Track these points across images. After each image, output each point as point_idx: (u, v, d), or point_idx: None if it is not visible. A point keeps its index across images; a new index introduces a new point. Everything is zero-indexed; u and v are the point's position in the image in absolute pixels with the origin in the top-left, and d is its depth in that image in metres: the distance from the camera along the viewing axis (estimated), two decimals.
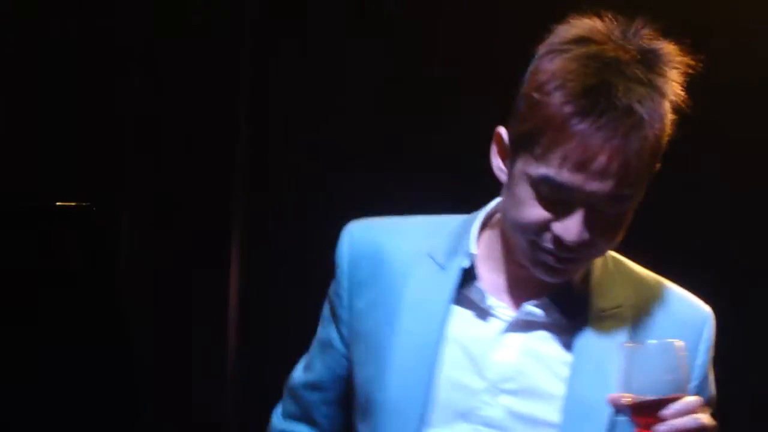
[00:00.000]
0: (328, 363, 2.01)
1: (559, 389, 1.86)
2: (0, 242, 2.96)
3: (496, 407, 1.86)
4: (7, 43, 3.26)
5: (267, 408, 2.13)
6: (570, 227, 1.78)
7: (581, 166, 1.74)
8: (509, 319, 1.89)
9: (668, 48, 1.81)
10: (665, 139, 1.80)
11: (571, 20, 1.83)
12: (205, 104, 3.38)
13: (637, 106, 1.74)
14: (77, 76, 3.30)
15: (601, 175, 1.74)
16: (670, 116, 1.79)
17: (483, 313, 1.90)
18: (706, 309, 1.96)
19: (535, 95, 1.77)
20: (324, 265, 2.04)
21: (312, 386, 2.03)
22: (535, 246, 1.81)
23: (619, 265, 1.96)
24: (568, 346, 1.89)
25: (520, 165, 1.80)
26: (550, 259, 1.82)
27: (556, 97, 1.75)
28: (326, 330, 2.01)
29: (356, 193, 3.15)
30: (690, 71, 1.81)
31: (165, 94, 3.37)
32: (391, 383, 1.87)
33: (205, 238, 3.37)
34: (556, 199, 1.77)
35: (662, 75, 1.78)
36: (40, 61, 3.28)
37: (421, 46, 3.35)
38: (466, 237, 1.93)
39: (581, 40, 1.79)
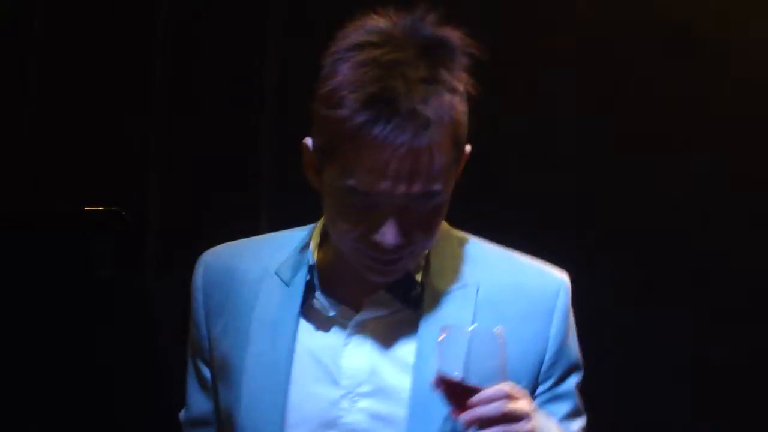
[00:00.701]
0: (204, 395, 2.02)
1: (402, 376, 1.90)
2: (23, 247, 2.93)
3: (356, 413, 1.91)
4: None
5: None
6: (386, 233, 1.83)
7: (382, 174, 1.78)
8: (351, 323, 1.92)
9: (453, 36, 1.81)
10: (462, 128, 1.82)
11: (354, 22, 1.85)
12: (225, 103, 3.44)
13: (421, 107, 1.76)
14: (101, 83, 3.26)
15: (403, 178, 1.78)
16: (461, 106, 1.81)
17: (329, 321, 1.94)
18: (561, 276, 1.96)
19: (324, 108, 1.80)
20: None
21: (195, 422, 2.04)
22: (358, 252, 1.86)
23: (466, 245, 1.99)
24: (413, 335, 1.91)
25: (327, 177, 1.85)
26: (376, 264, 1.87)
27: (344, 110, 1.78)
28: (194, 361, 2.05)
29: None
30: (476, 55, 1.83)
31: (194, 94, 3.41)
32: (246, 405, 1.90)
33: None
34: (368, 207, 1.82)
35: (446, 67, 1.79)
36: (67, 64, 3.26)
37: None
38: (308, 249, 1.96)
39: (360, 46, 1.79)
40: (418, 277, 1.93)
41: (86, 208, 2.96)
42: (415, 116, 1.77)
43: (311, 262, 1.94)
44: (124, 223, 2.88)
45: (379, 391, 1.90)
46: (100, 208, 2.94)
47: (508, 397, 1.76)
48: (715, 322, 3.33)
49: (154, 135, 3.41)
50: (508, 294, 1.94)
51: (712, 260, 3.38)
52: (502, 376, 1.78)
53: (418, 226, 1.85)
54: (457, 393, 1.77)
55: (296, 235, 2.02)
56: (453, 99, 1.81)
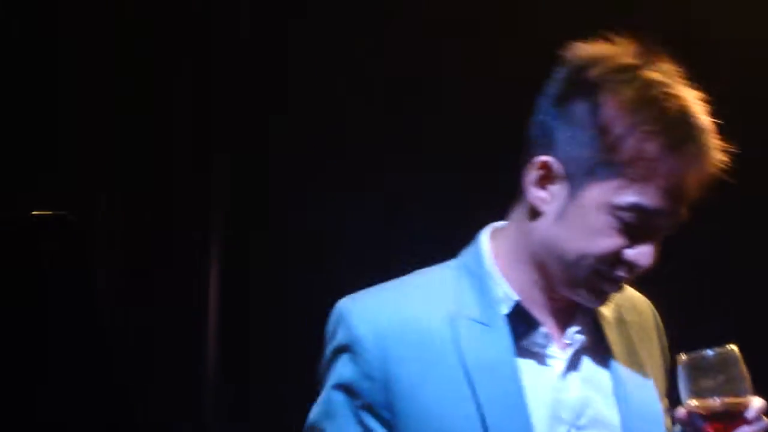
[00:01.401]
0: None
1: (610, 405, 1.87)
2: None
3: None
4: None
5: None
6: (646, 252, 1.79)
7: (673, 194, 1.76)
8: (564, 357, 1.86)
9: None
10: None
11: (581, 47, 1.83)
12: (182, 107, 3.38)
13: (708, 132, 1.78)
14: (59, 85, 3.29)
15: (684, 201, 1.78)
16: None
17: (542, 359, 1.86)
18: (644, 297, 2.00)
19: (615, 126, 1.76)
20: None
21: None
22: (599, 275, 1.80)
23: None
24: (602, 362, 1.89)
25: (594, 194, 1.78)
26: (611, 287, 1.83)
27: (642, 128, 1.75)
28: (354, 425, 1.84)
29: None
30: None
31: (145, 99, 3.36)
32: None
33: (184, 245, 3.36)
34: (642, 225, 1.77)
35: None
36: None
37: None
38: (488, 284, 1.86)
39: (631, 68, 1.79)
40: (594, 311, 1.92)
41: (34, 213, 2.98)
42: (708, 140, 1.79)
43: (514, 297, 1.85)
44: (70, 226, 2.89)
45: (596, 422, 1.85)
46: (48, 213, 2.95)
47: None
48: None
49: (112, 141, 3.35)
50: (633, 314, 1.96)
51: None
52: (746, 393, 1.78)
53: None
54: (717, 415, 1.76)
55: (444, 273, 1.90)
56: None
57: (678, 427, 1.83)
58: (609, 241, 1.78)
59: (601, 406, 1.86)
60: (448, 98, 3.35)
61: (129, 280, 3.32)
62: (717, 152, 1.78)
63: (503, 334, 1.82)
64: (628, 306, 1.95)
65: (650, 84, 1.78)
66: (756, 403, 1.76)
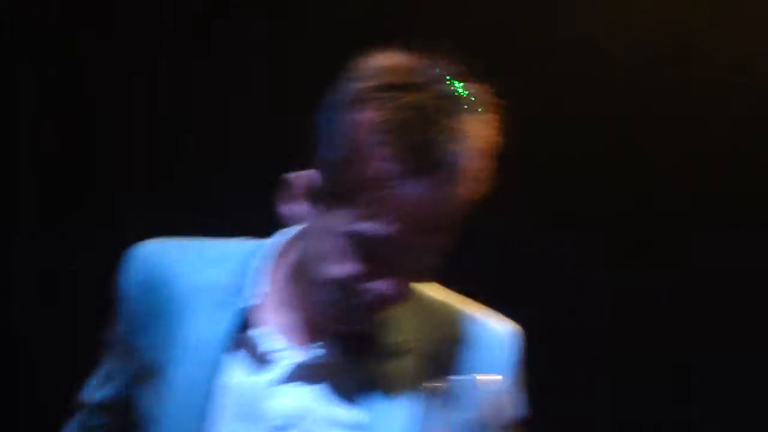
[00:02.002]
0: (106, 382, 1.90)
1: (344, 422, 1.77)
2: None
3: None
4: None
5: None
6: (391, 282, 1.71)
7: (412, 223, 1.66)
8: (290, 363, 1.78)
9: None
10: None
11: (379, 55, 1.72)
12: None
13: (456, 159, 1.65)
14: None
15: (432, 228, 1.68)
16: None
17: (262, 356, 1.80)
18: (509, 328, 1.87)
19: (356, 149, 1.66)
20: None
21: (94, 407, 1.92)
22: (345, 299, 1.73)
23: (423, 299, 1.86)
24: (355, 392, 1.79)
25: (336, 218, 1.70)
26: (361, 310, 1.74)
27: (382, 155, 1.65)
28: (110, 348, 1.90)
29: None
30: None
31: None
32: (167, 412, 1.78)
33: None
34: (380, 253, 1.68)
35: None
36: None
37: None
38: (253, 271, 1.83)
39: (402, 87, 1.67)
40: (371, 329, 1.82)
41: None
42: (453, 169, 1.66)
43: (260, 290, 1.82)
44: None
45: None
46: None
47: None
48: None
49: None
50: (457, 349, 1.84)
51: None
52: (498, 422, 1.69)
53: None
54: None
55: (240, 247, 1.88)
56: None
57: None
58: (346, 268, 1.71)
59: (321, 427, 1.77)
60: None
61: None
62: (470, 182, 1.67)
63: (229, 320, 1.79)
64: (458, 340, 1.84)
65: (404, 108, 1.66)
66: None
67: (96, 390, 1.92)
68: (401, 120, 1.64)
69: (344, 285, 1.71)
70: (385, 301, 1.72)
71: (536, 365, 1.87)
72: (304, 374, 1.79)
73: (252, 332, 1.79)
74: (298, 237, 1.81)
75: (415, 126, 1.64)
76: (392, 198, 1.64)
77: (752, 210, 3.35)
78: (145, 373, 1.83)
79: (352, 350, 1.79)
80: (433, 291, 1.88)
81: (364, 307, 1.73)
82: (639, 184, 3.35)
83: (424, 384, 1.69)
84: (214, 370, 1.78)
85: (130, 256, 1.86)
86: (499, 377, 1.67)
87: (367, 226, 1.66)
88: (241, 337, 1.79)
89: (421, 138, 1.64)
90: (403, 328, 1.81)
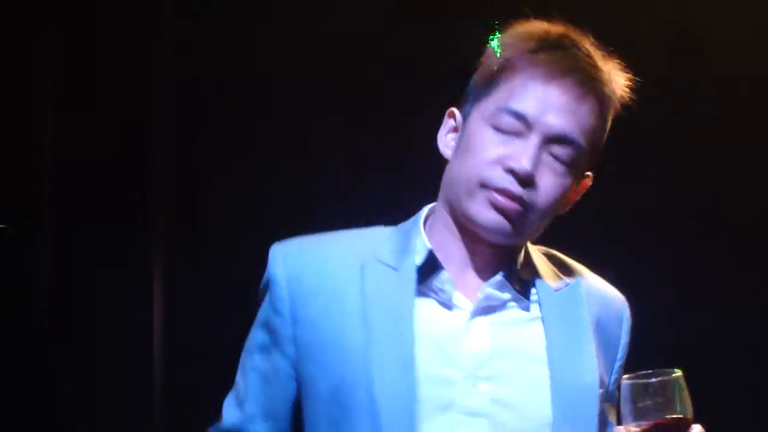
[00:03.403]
0: (275, 393, 1.96)
1: (534, 369, 1.90)
2: None
3: (477, 395, 1.87)
4: None
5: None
6: (522, 155, 1.88)
7: (539, 98, 1.90)
8: (470, 307, 1.92)
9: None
10: (610, 117, 1.98)
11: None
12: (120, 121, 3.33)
13: (603, 69, 1.95)
14: None
15: (556, 109, 1.90)
16: (616, 107, 1.98)
17: (446, 305, 1.93)
18: (621, 295, 2.06)
19: (498, 49, 1.94)
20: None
21: (257, 418, 1.97)
22: (484, 187, 1.90)
23: (552, 256, 2.04)
24: (533, 324, 1.94)
25: (476, 116, 1.93)
26: (499, 199, 1.89)
27: (519, 41, 1.94)
28: (265, 359, 1.97)
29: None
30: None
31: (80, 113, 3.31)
32: (376, 384, 1.86)
33: (127, 259, 3.30)
34: (514, 130, 1.90)
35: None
36: None
37: None
38: (412, 237, 1.97)
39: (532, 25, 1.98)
40: (523, 274, 1.98)
41: None
42: (596, 70, 1.94)
43: (428, 245, 1.95)
44: (9, 238, 2.82)
45: (501, 376, 1.89)
46: None
47: None
48: None
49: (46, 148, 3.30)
50: (595, 298, 2.00)
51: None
52: (689, 416, 1.79)
53: (546, 178, 1.92)
54: None
55: (380, 230, 2.02)
56: (617, 92, 1.98)
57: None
58: (487, 149, 1.90)
59: (514, 362, 1.91)
60: None
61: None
62: (594, 84, 1.93)
63: (408, 278, 1.92)
64: (595, 295, 2.00)
65: (538, 27, 1.97)
66: (695, 428, 1.79)
67: (241, 409, 1.98)
68: (530, 29, 1.97)
69: (485, 167, 1.90)
70: (516, 183, 1.89)
71: None
72: (485, 314, 1.93)
73: (433, 283, 1.93)
74: (436, 206, 2.00)
75: (540, 30, 1.96)
76: (525, 69, 1.92)
77: (752, 209, 3.36)
78: (327, 347, 1.91)
79: (519, 292, 1.96)
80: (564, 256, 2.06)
81: (503, 191, 1.90)
82: (639, 183, 3.37)
83: (623, 378, 1.83)
84: (410, 319, 1.90)
85: (276, 253, 1.98)
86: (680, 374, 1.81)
87: (504, 103, 1.91)
88: (422, 291, 1.93)
89: (557, 39, 1.95)
90: (558, 277, 2.00)
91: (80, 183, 3.32)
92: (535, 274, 1.98)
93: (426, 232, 1.98)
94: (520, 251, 1.99)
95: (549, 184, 1.91)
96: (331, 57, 3.33)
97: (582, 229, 3.24)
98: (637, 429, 1.78)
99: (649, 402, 1.77)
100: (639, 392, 1.78)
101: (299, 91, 3.34)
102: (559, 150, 1.91)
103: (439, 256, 1.94)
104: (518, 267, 1.97)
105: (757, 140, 3.33)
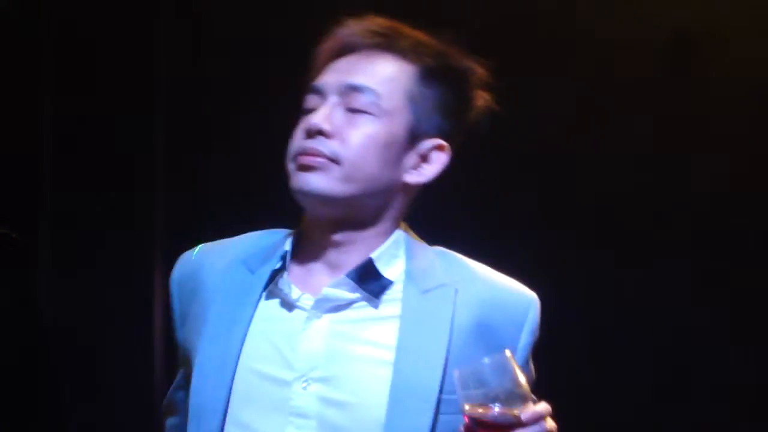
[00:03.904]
0: (178, 391, 2.05)
1: (374, 371, 1.89)
2: None
3: (306, 397, 1.88)
4: None
5: None
6: (313, 116, 1.95)
7: (329, 66, 2.00)
8: (310, 305, 1.93)
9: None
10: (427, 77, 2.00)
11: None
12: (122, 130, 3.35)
13: (394, 28, 2.01)
14: None
15: (343, 67, 1.99)
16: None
17: (289, 305, 1.94)
18: (531, 294, 2.00)
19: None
20: None
21: (178, 387, 2.05)
22: (292, 158, 1.96)
23: (445, 255, 2.02)
24: (384, 323, 1.93)
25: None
26: (301, 159, 1.94)
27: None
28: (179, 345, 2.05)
29: None
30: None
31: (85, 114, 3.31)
32: (195, 385, 1.92)
33: (129, 265, 3.32)
34: (310, 106, 1.98)
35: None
36: None
37: None
38: (282, 242, 2.00)
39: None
40: (387, 273, 1.96)
41: None
42: (392, 32, 2.01)
43: (286, 248, 1.99)
44: (11, 243, 2.82)
45: (336, 378, 1.89)
46: None
47: (548, 413, 1.79)
48: None
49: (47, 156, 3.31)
50: (483, 301, 1.96)
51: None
52: (527, 397, 1.77)
53: (348, 132, 1.95)
54: (488, 422, 1.74)
55: (275, 233, 2.05)
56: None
57: None
58: (296, 129, 1.99)
59: (357, 365, 1.90)
60: None
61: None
62: (391, 33, 2.00)
63: (258, 281, 1.96)
64: (483, 297, 1.96)
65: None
66: (535, 407, 1.76)
67: (172, 393, 2.07)
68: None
69: (291, 147, 1.96)
70: (316, 136, 1.95)
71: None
72: (328, 315, 1.93)
73: (279, 284, 1.95)
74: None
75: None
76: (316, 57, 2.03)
77: (751, 209, 3.33)
78: (187, 354, 1.97)
79: (373, 292, 1.94)
80: (464, 257, 2.03)
81: (302, 152, 1.95)
82: (637, 182, 3.35)
83: (455, 371, 1.79)
84: (247, 320, 1.94)
85: (178, 260, 2.08)
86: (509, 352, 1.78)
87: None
88: (271, 292, 1.96)
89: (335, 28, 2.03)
90: (435, 277, 1.96)
91: (79, 186, 3.34)
92: (407, 271, 1.97)
93: (295, 236, 2.02)
94: (380, 244, 1.98)
95: (354, 133, 1.94)
96: None
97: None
98: (473, 413, 1.75)
99: (484, 388, 1.75)
100: (472, 379, 1.76)
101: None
102: (355, 101, 1.96)
103: (296, 258, 1.98)
104: (377, 262, 1.96)
105: (757, 140, 3.32)
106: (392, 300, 1.95)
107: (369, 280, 1.95)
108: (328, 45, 2.03)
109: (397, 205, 2.00)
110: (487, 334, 1.93)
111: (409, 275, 1.96)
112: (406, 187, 2.00)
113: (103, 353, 3.28)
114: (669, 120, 3.31)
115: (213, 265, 2.01)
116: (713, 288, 3.27)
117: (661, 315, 3.29)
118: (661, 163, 3.32)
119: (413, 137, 1.99)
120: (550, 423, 1.77)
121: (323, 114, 1.95)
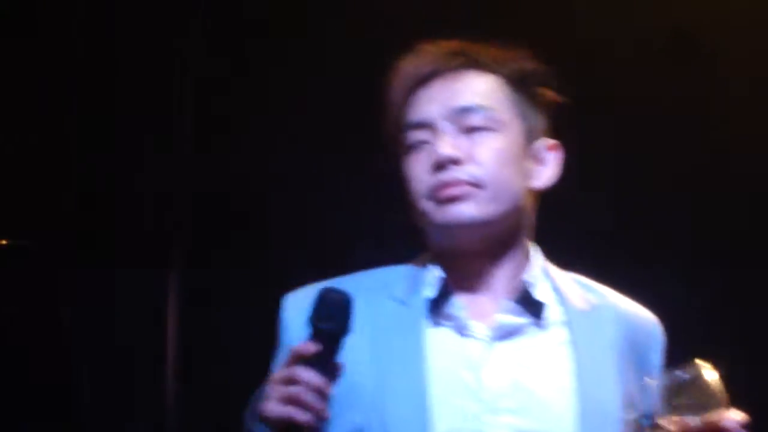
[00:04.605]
0: None
1: (558, 398, 1.87)
2: None
3: (499, 427, 1.85)
4: None
5: None
6: (438, 147, 1.91)
7: (422, 97, 1.96)
8: (487, 334, 1.90)
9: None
10: (513, 81, 2.00)
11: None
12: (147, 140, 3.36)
13: (460, 45, 2.00)
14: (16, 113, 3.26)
15: (440, 94, 1.95)
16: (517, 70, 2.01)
17: (461, 332, 1.91)
18: (653, 315, 2.02)
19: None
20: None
21: None
22: (429, 194, 1.91)
23: (577, 277, 2.02)
24: (557, 348, 1.91)
25: (397, 152, 1.97)
26: (441, 193, 1.90)
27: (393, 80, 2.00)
28: None
29: None
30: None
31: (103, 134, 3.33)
32: (390, 425, 1.84)
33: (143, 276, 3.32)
34: (420, 140, 1.94)
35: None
36: None
37: None
38: (422, 272, 1.96)
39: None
40: (538, 294, 1.95)
41: None
42: (464, 48, 1.99)
43: (439, 275, 1.95)
44: (32, 257, 2.84)
45: (524, 406, 1.86)
46: (4, 242, 2.90)
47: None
48: None
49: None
50: (627, 322, 1.98)
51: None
52: (724, 404, 1.77)
53: (477, 151, 1.93)
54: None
55: (385, 270, 2.01)
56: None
57: None
58: (414, 172, 1.94)
59: (543, 393, 1.87)
60: None
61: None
62: (454, 60, 1.97)
63: (418, 310, 1.91)
64: (626, 317, 1.98)
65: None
66: (733, 416, 1.75)
67: None
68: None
69: (422, 187, 1.93)
70: (443, 169, 1.91)
71: None
72: (502, 340, 1.91)
73: (446, 312, 1.92)
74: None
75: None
76: (399, 93, 1.99)
77: (751, 208, 3.33)
78: (346, 392, 1.82)
79: (535, 316, 1.93)
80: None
81: (442, 186, 1.91)
82: (637, 181, 3.36)
83: (647, 378, 1.82)
84: (421, 353, 1.88)
85: (287, 302, 1.99)
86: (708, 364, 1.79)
87: (404, 120, 1.98)
88: (435, 321, 1.92)
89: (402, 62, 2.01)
90: (582, 298, 1.97)
91: (100, 198, 3.34)
92: (557, 293, 1.97)
93: (436, 263, 1.96)
94: (525, 263, 1.97)
95: (484, 152, 1.92)
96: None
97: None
98: (675, 424, 1.76)
99: (683, 399, 1.76)
100: (670, 390, 1.77)
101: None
102: (471, 121, 1.93)
103: (449, 286, 1.93)
104: (531, 282, 1.95)
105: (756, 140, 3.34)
106: (555, 324, 1.94)
107: (530, 304, 1.94)
108: (404, 76, 1.99)
109: (528, 215, 1.99)
110: (633, 352, 1.94)
111: (561, 295, 1.96)
112: (532, 194, 1.99)
113: (119, 368, 3.29)
114: (669, 120, 3.32)
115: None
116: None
117: None
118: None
119: (529, 140, 1.99)
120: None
121: (448, 142, 1.91)
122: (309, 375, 1.70)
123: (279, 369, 1.79)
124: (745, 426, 1.76)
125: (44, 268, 3.03)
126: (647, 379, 1.81)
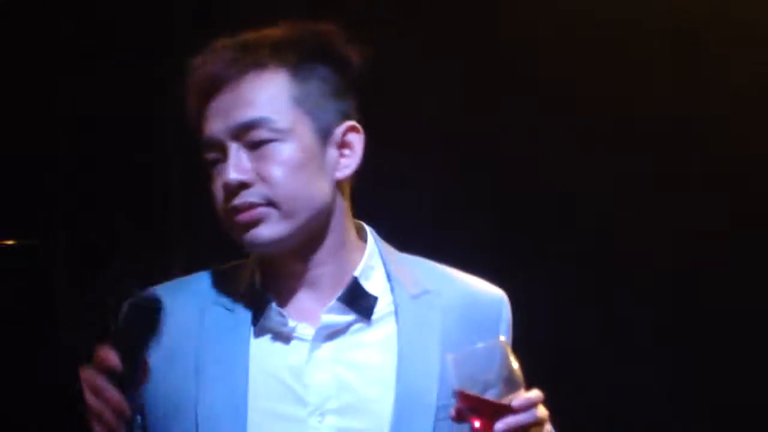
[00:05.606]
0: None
1: (381, 393, 1.88)
2: None
3: (324, 430, 1.86)
4: None
5: None
6: (224, 171, 1.87)
7: (204, 113, 1.89)
8: (312, 335, 1.89)
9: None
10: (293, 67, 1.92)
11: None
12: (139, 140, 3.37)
13: (232, 45, 1.93)
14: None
15: (221, 112, 1.88)
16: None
17: (285, 338, 1.90)
18: (500, 292, 2.01)
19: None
20: None
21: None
22: (226, 218, 1.88)
23: (419, 261, 2.01)
24: (382, 342, 1.91)
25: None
26: (235, 219, 1.87)
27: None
28: None
29: None
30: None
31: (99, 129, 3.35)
32: (207, 429, 1.85)
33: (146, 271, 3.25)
34: (213, 159, 1.89)
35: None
36: None
37: None
38: (248, 275, 1.95)
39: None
40: (370, 287, 1.94)
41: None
42: (235, 50, 1.91)
43: (257, 282, 1.93)
44: (37, 258, 2.83)
45: (349, 407, 1.88)
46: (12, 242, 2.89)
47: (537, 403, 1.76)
48: None
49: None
50: (463, 304, 1.97)
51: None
52: (519, 383, 1.76)
53: (267, 170, 1.88)
54: (480, 408, 1.74)
55: (228, 269, 2.00)
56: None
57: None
58: (214, 186, 1.89)
59: (366, 391, 1.88)
60: None
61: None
62: (235, 55, 1.90)
63: (242, 318, 1.90)
64: (464, 299, 1.97)
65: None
66: (527, 394, 1.73)
67: None
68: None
69: (222, 210, 1.89)
70: (234, 194, 1.88)
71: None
72: (329, 343, 1.90)
73: (269, 317, 1.90)
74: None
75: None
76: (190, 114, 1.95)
77: (751, 207, 3.35)
78: (172, 402, 1.88)
79: (365, 312, 1.92)
80: (426, 260, 2.02)
81: (235, 211, 1.88)
82: (636, 181, 3.36)
83: (448, 354, 1.79)
84: (244, 359, 1.87)
85: (123, 307, 1.89)
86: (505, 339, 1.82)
87: (200, 138, 1.93)
88: (260, 328, 1.90)
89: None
90: (416, 283, 1.95)
91: (96, 199, 3.37)
92: (390, 281, 1.95)
93: (257, 266, 1.95)
94: (355, 254, 1.96)
95: (271, 168, 1.88)
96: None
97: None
98: (466, 398, 1.75)
99: (477, 374, 1.74)
100: (464, 365, 1.75)
101: None
102: (253, 136, 1.88)
103: (271, 289, 1.93)
104: (360, 279, 1.93)
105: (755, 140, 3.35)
106: (384, 316, 1.94)
107: (358, 300, 1.92)
108: (193, 85, 1.93)
109: (341, 205, 1.95)
110: (469, 336, 1.90)
111: (394, 282, 1.95)
112: (340, 184, 1.95)
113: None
114: (669, 119, 3.34)
115: (179, 307, 1.91)
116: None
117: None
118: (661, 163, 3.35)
119: (323, 136, 1.93)
120: (542, 410, 1.75)
121: (233, 165, 1.87)
122: (109, 394, 1.69)
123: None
124: (534, 405, 1.73)
125: (48, 268, 3.01)
126: (448, 354, 1.78)
